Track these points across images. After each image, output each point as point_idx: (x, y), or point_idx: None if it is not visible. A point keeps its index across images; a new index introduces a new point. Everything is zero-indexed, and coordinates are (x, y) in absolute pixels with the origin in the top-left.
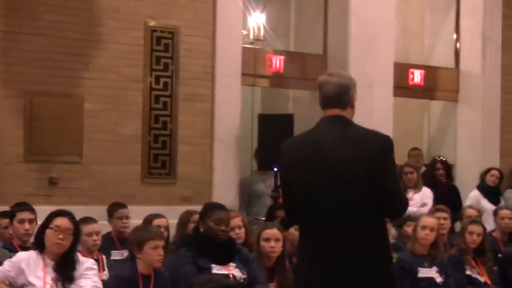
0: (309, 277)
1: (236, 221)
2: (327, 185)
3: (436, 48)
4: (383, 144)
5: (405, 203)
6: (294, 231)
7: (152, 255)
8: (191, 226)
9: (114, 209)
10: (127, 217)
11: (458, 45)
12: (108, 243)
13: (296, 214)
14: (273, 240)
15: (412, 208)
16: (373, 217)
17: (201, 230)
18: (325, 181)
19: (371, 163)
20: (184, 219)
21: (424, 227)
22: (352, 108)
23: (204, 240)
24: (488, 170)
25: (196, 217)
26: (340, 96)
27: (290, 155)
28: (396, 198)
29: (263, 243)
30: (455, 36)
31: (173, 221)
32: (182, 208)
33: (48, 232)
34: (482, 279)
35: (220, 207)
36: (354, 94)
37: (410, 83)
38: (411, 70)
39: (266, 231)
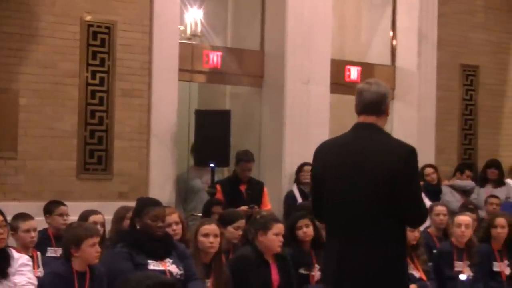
0: (328, 272)
1: (173, 217)
2: (354, 189)
3: (373, 45)
4: (408, 155)
5: (425, 213)
6: (231, 229)
7: (90, 252)
8: (127, 222)
9: (54, 206)
10: (67, 214)
11: (394, 42)
12: (44, 240)
13: (322, 211)
14: (212, 235)
15: None
16: (392, 225)
17: (138, 227)
18: (351, 186)
19: (396, 172)
20: (120, 215)
21: None
22: (387, 115)
23: (140, 236)
24: (423, 168)
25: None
26: (378, 104)
27: (322, 158)
28: (418, 208)
29: (201, 239)
30: (391, 33)
31: (109, 217)
32: (119, 204)
33: None
34: (417, 274)
35: (155, 203)
36: (389, 102)
37: (347, 79)
38: (348, 66)
39: (205, 227)
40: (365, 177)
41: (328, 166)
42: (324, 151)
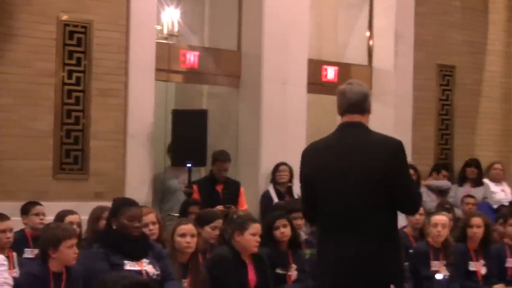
0: (326, 267)
1: (150, 217)
2: (346, 186)
3: (350, 45)
4: (396, 148)
5: (420, 198)
6: (208, 229)
7: (68, 254)
8: (103, 222)
9: (30, 206)
10: (43, 214)
11: (371, 42)
12: (21, 241)
13: (315, 213)
14: (188, 235)
15: None
16: (386, 216)
17: (114, 227)
18: (345, 182)
19: (386, 167)
20: (96, 215)
21: None
22: (369, 113)
23: (116, 236)
24: None
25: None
26: (361, 103)
27: (312, 158)
28: (412, 195)
29: (178, 239)
30: (368, 33)
31: (85, 217)
32: (95, 204)
33: None
34: None
35: (131, 203)
36: (370, 101)
37: (324, 79)
38: (325, 66)
39: (182, 227)
40: (357, 175)
41: (318, 167)
42: (312, 153)
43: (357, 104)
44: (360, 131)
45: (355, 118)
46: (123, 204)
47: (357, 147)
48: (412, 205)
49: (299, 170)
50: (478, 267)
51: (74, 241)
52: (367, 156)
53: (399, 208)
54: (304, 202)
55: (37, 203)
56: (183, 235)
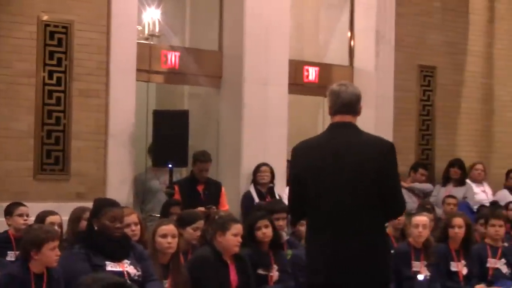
0: (317, 267)
1: (133, 217)
2: (338, 185)
3: (331, 45)
4: (388, 150)
5: (404, 204)
6: (190, 230)
7: (51, 256)
8: (84, 222)
9: (14, 207)
10: (27, 215)
11: (352, 42)
12: (5, 243)
13: (302, 211)
14: (170, 236)
15: None
16: (377, 215)
17: (95, 228)
18: (337, 181)
19: (378, 167)
20: (77, 216)
21: None
22: (359, 115)
23: (98, 237)
24: None
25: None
26: (354, 104)
27: (303, 156)
28: (398, 199)
29: (159, 239)
30: (349, 34)
31: (67, 218)
32: (76, 205)
33: None
34: None
35: (113, 203)
36: (361, 103)
37: (305, 80)
38: (306, 67)
39: (163, 227)
40: (349, 175)
41: (309, 165)
42: (302, 151)
43: (350, 105)
44: (351, 131)
45: (347, 118)
46: (104, 205)
47: (349, 147)
48: (398, 208)
49: (289, 168)
50: (460, 267)
51: (56, 243)
52: (359, 156)
53: (386, 210)
54: (292, 200)
55: (21, 204)
56: (164, 235)
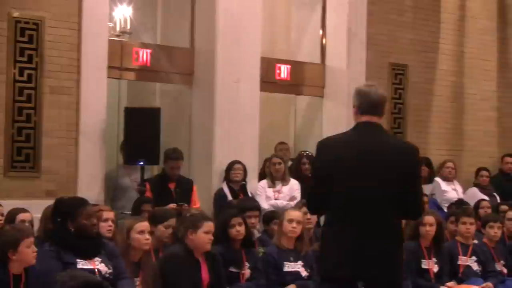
0: (337, 260)
1: (111, 214)
2: (362, 183)
3: (303, 43)
4: (415, 154)
5: (423, 208)
6: (161, 228)
7: (28, 253)
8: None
9: None
10: (2, 214)
11: (324, 40)
12: None
13: (323, 204)
14: (146, 232)
15: (281, 202)
16: (397, 215)
17: (71, 228)
18: (361, 179)
19: (402, 168)
20: (48, 214)
21: (290, 220)
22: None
23: (68, 234)
24: None
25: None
26: (382, 106)
27: (329, 152)
28: (418, 201)
29: (137, 236)
30: (321, 31)
31: (37, 215)
32: (46, 202)
33: None
34: None
35: (84, 202)
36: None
37: (277, 77)
38: (278, 65)
39: (140, 224)
40: (373, 172)
41: (335, 162)
42: (328, 148)
43: (378, 106)
44: (378, 131)
45: (374, 119)
46: (76, 205)
47: (375, 147)
48: (417, 209)
49: (313, 162)
50: (430, 265)
51: (32, 239)
52: (385, 157)
53: (406, 211)
54: (314, 195)
55: None
56: (141, 232)
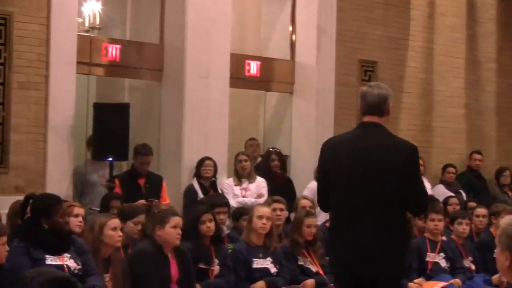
0: (340, 254)
1: (81, 210)
2: (362, 182)
3: (272, 39)
4: (413, 153)
5: (427, 203)
6: (131, 224)
7: (1, 251)
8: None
9: None
10: None
11: (293, 37)
12: None
13: (329, 202)
14: (119, 228)
15: (249, 199)
16: (397, 212)
17: (45, 225)
18: (361, 178)
19: (402, 168)
20: (16, 209)
21: (260, 217)
22: (388, 114)
23: (41, 230)
24: None
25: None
26: (380, 105)
27: (331, 152)
28: (420, 198)
29: (111, 232)
30: (290, 28)
31: (5, 211)
32: (15, 198)
33: None
34: (314, 268)
35: (58, 199)
36: (390, 102)
37: (246, 74)
38: (248, 61)
39: (114, 220)
40: (373, 171)
41: (336, 161)
42: (332, 146)
43: (376, 106)
44: (378, 131)
45: (374, 119)
46: (51, 203)
47: (375, 146)
48: (420, 206)
49: (318, 161)
50: None
51: (5, 238)
52: (384, 156)
53: (409, 208)
54: (320, 193)
55: None
56: (114, 228)
